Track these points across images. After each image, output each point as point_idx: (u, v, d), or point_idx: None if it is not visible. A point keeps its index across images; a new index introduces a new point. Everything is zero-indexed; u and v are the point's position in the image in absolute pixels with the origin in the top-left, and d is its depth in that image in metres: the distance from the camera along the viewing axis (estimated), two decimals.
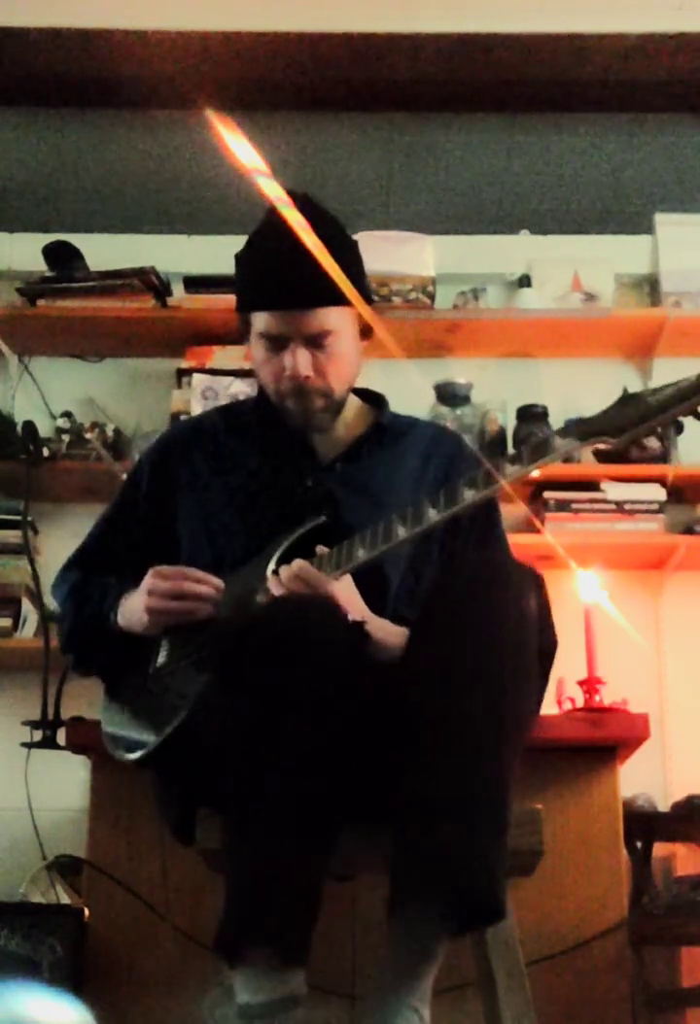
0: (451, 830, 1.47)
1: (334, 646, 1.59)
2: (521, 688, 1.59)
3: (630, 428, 1.68)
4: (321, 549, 1.79)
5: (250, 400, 2.13)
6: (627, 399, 1.71)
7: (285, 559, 1.80)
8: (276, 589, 1.74)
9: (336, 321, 1.90)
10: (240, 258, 1.97)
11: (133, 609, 1.88)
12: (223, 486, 1.97)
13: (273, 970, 1.45)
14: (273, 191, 1.87)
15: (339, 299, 1.88)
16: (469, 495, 1.71)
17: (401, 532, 1.73)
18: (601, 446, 1.75)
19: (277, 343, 1.90)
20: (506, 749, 1.54)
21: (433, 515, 1.73)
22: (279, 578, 1.75)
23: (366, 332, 1.98)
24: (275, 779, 1.51)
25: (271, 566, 1.81)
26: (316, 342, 1.89)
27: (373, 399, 2.09)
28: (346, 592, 1.76)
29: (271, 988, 1.44)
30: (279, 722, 1.53)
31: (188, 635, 1.84)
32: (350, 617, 1.70)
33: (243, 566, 1.87)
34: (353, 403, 2.04)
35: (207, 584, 1.83)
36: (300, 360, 1.89)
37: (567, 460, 3.45)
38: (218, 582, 1.84)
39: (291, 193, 1.93)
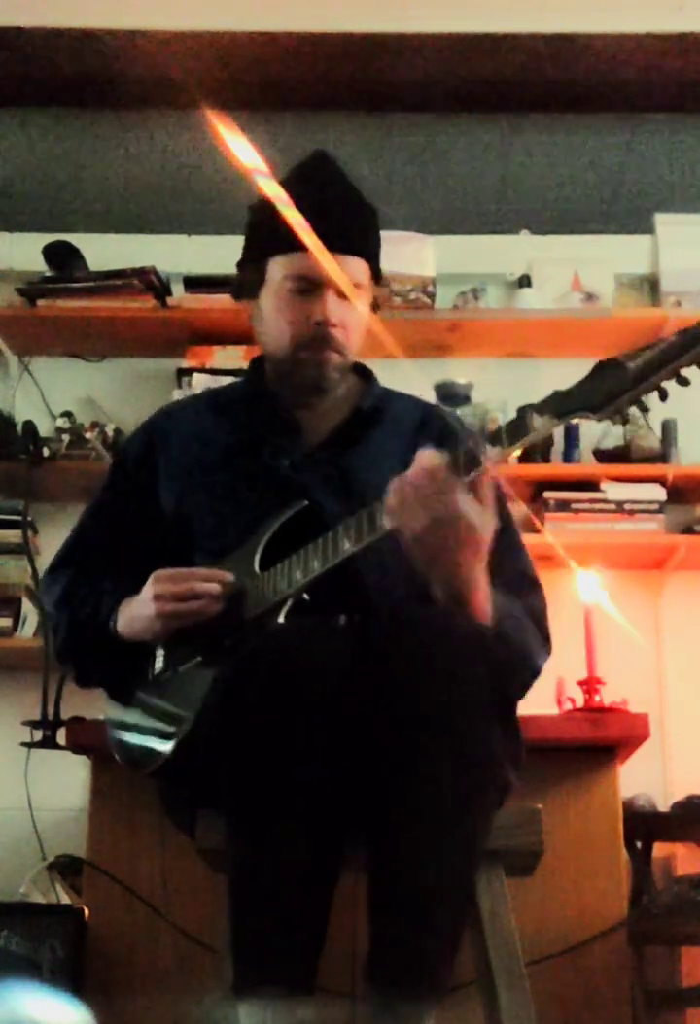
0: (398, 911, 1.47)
1: (332, 676, 1.54)
2: (469, 770, 1.50)
3: (610, 400, 1.51)
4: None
5: (236, 381, 2.07)
6: (604, 367, 1.54)
7: (270, 549, 1.76)
8: (397, 494, 1.59)
9: (365, 278, 1.87)
10: (265, 203, 1.88)
11: (138, 616, 1.81)
12: (202, 470, 1.91)
13: (281, 1002, 1.42)
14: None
15: (373, 257, 1.88)
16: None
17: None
18: (576, 420, 1.57)
19: (307, 288, 1.84)
20: (461, 824, 1.48)
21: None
22: (417, 462, 1.58)
23: (374, 306, 1.95)
24: (278, 809, 1.48)
25: (257, 560, 1.77)
26: (346, 296, 1.85)
27: (362, 371, 2.02)
28: (476, 509, 1.62)
29: (278, 1021, 1.42)
30: (279, 754, 1.50)
31: (183, 640, 1.80)
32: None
33: (228, 556, 1.81)
34: (348, 375, 1.97)
35: (216, 580, 1.77)
36: (332, 305, 1.83)
37: (567, 460, 3.51)
38: (228, 576, 1.77)
39: (319, 153, 1.93)
